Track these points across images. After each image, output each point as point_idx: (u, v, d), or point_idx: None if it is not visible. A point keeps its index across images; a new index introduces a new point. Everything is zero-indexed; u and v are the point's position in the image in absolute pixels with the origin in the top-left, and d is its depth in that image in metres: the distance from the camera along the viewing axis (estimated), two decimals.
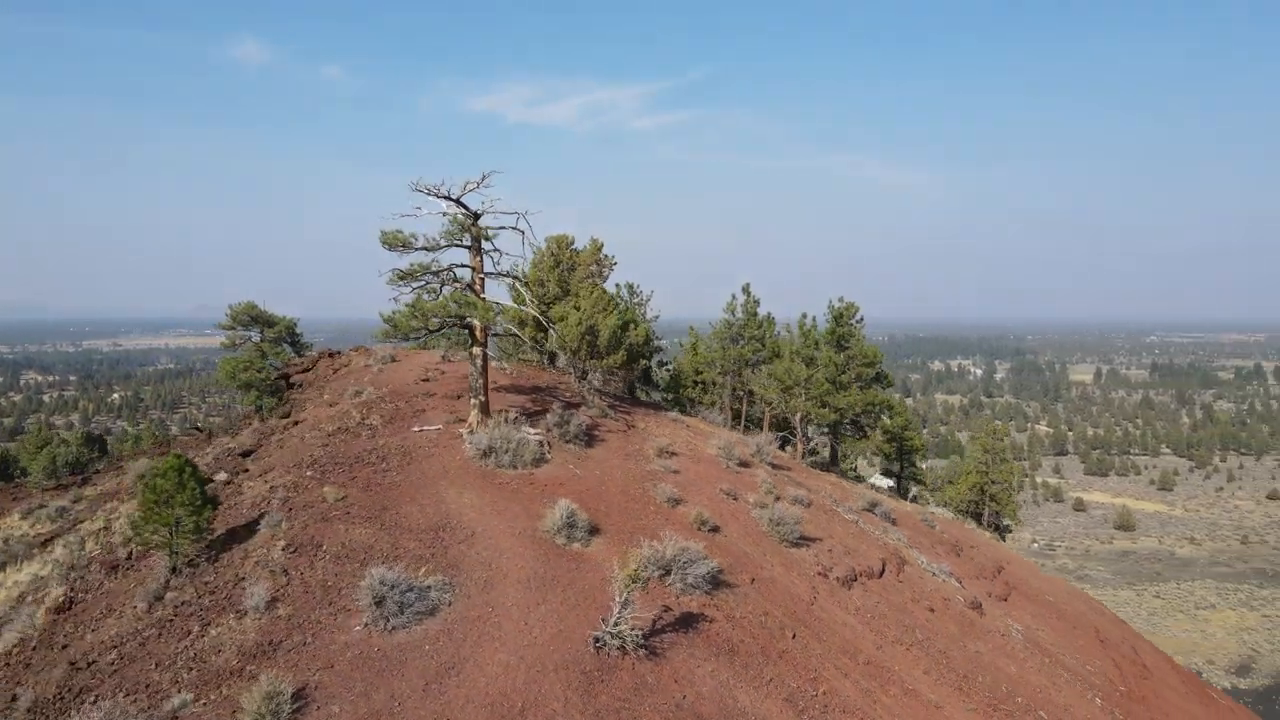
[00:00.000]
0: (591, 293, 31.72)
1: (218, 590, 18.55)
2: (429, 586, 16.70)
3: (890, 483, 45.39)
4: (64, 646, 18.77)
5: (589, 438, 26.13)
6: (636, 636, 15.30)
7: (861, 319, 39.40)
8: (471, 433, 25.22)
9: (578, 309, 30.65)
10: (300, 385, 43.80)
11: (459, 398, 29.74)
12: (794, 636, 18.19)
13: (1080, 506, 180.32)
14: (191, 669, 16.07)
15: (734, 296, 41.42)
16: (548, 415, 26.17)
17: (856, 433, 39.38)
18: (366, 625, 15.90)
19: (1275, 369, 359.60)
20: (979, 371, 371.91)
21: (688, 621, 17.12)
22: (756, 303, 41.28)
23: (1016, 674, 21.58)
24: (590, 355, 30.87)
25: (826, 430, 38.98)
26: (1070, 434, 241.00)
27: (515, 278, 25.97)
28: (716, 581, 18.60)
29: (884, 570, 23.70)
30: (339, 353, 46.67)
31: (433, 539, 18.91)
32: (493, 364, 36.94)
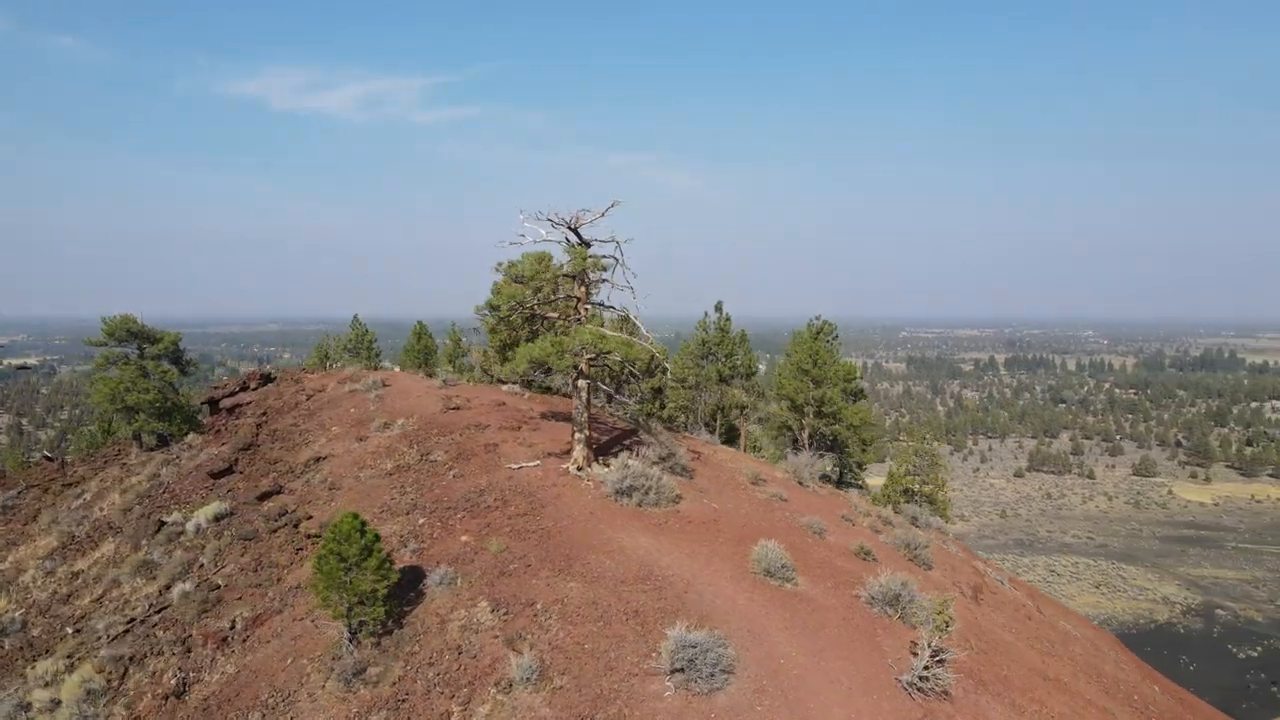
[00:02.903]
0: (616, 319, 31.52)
1: (440, 661, 17.11)
2: (708, 643, 16.35)
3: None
4: None
5: (686, 470, 26.10)
6: (949, 680, 15.96)
7: (837, 336, 41.71)
8: (580, 469, 24.50)
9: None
10: (237, 411, 39.97)
11: (518, 428, 28.57)
12: (997, 659, 19.50)
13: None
14: None
15: (706, 314, 42.33)
16: (648, 449, 25.84)
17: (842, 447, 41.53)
18: (677, 690, 15.37)
19: (1005, 361, 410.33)
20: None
21: (936, 654, 17.89)
22: (728, 320, 42.46)
23: (1112, 671, 24.20)
24: (628, 379, 30.67)
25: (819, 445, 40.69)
26: None
27: (617, 309, 25.35)
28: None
29: (981, 583, 25.67)
30: (271, 377, 42.92)
31: (655, 591, 18.40)
32: (505, 389, 35.57)
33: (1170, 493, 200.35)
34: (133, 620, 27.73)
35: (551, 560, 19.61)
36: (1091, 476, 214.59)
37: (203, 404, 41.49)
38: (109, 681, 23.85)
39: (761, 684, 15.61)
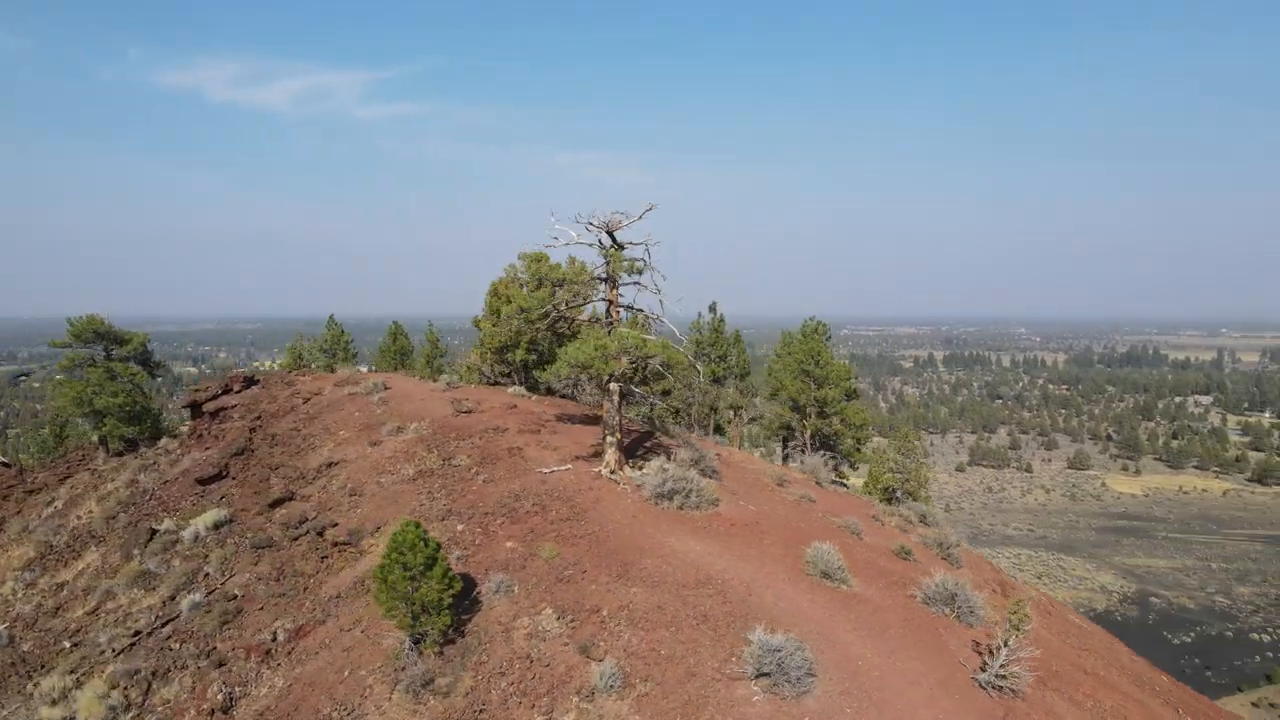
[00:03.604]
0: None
1: (511, 670, 16.90)
2: (791, 646, 16.40)
3: None
4: None
5: (715, 472, 26.17)
6: (1026, 677, 16.32)
7: (829, 337, 42.19)
8: (612, 472, 24.40)
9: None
10: (221, 414, 38.88)
11: (537, 431, 28.32)
12: (1044, 655, 19.98)
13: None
14: None
15: (700, 315, 42.49)
16: (681, 451, 25.85)
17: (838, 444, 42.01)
18: (765, 694, 15.42)
19: (943, 358, 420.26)
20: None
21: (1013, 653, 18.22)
22: (722, 320, 42.69)
23: (1128, 663, 25.02)
24: (641, 381, 30.69)
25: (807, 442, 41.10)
26: None
27: (646, 311, 25.27)
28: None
29: (1004, 580, 26.30)
30: (255, 379, 41.83)
31: (718, 595, 18.41)
32: (511, 391, 35.19)
33: (1103, 485, 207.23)
34: (138, 633, 26.90)
35: (607, 565, 19.50)
36: (1029, 470, 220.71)
37: (184, 407, 40.17)
38: (128, 697, 23.10)
39: (845, 686, 15.76)
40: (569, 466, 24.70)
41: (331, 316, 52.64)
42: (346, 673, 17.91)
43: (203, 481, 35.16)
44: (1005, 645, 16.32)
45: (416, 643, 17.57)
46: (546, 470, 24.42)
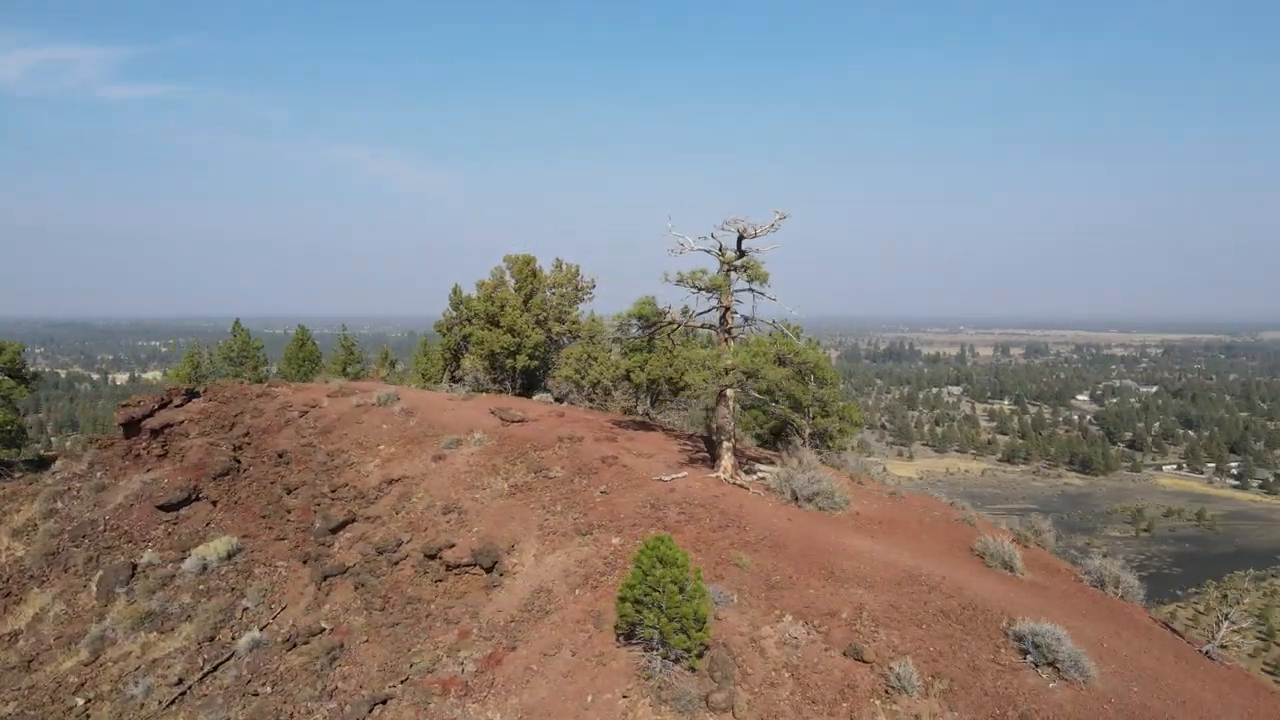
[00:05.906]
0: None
1: (781, 681, 16.72)
2: (1063, 634, 17.10)
3: None
4: None
5: None
6: (1245, 646, 18.18)
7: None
8: (731, 478, 24.33)
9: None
10: (166, 431, 34.66)
11: (614, 439, 27.56)
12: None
13: None
14: None
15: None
16: (801, 454, 26.16)
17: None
18: (1055, 681, 16.17)
19: None
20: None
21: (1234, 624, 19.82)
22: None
23: None
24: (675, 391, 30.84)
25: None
26: None
27: (754, 319, 25.36)
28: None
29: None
30: (196, 392, 37.52)
31: (933, 590, 18.92)
32: (539, 398, 33.76)
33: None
34: (181, 680, 23.99)
35: (810, 569, 19.54)
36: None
37: (120, 425, 35.11)
38: None
39: (1113, 667, 16.82)
40: (685, 474, 24.35)
41: (237, 322, 47.81)
42: (589, 698, 16.87)
43: (168, 508, 31.33)
44: (1226, 618, 18.18)
45: (676, 661, 16.87)
46: (666, 479, 23.92)
